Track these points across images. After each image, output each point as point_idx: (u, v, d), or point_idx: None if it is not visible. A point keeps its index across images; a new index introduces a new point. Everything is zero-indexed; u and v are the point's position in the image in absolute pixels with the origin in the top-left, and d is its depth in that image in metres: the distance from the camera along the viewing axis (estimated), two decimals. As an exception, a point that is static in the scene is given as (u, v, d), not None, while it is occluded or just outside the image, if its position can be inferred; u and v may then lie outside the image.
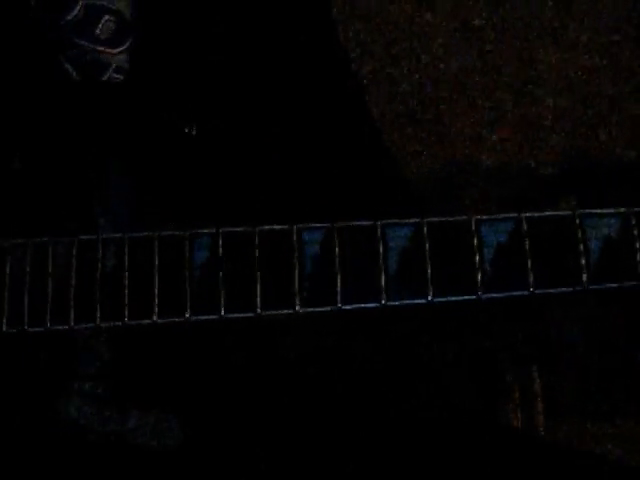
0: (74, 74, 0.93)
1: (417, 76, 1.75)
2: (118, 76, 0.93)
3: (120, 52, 0.93)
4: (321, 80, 1.05)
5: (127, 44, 0.94)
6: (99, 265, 0.79)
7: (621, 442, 1.60)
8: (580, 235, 0.72)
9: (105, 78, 0.93)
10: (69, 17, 0.93)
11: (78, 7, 0.93)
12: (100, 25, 0.93)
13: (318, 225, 0.77)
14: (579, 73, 1.75)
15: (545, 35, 1.77)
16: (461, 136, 1.73)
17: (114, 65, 0.93)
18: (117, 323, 0.78)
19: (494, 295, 0.73)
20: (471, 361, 1.50)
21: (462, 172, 1.71)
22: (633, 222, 0.72)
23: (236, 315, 0.77)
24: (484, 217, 0.74)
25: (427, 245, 0.74)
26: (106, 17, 0.93)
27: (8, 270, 0.80)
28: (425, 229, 0.74)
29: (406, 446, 0.94)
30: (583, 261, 0.72)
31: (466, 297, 0.73)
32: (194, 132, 0.90)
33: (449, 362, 1.47)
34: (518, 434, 1.37)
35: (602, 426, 1.60)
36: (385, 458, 0.94)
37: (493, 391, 1.51)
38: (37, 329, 0.79)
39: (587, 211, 0.73)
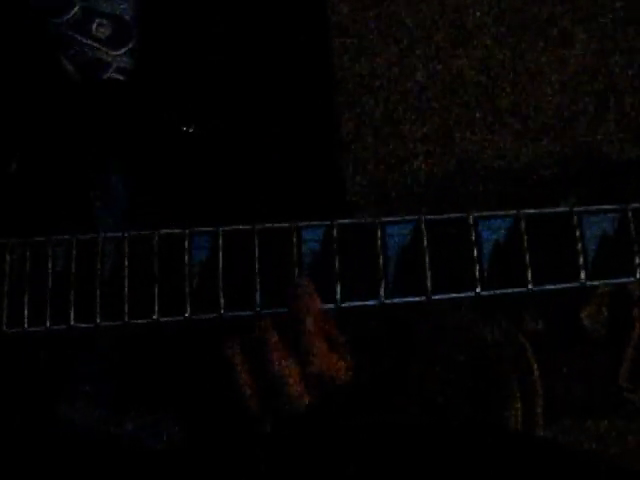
0: (74, 73, 0.93)
1: (417, 76, 1.75)
2: (119, 76, 0.94)
3: (122, 54, 0.94)
4: (321, 80, 1.05)
5: (128, 46, 0.94)
6: (99, 264, 0.79)
7: (620, 442, 1.60)
8: (578, 232, 0.73)
9: (105, 78, 0.93)
10: (66, 17, 0.93)
11: (75, 8, 0.93)
12: (94, 27, 0.93)
13: (318, 223, 0.77)
14: (578, 71, 1.76)
15: (542, 32, 1.77)
16: (460, 136, 1.74)
17: (115, 65, 0.93)
18: (117, 322, 0.78)
19: (492, 292, 0.73)
20: (471, 362, 1.50)
21: (461, 171, 1.71)
22: (630, 218, 0.72)
23: (236, 313, 0.77)
24: (482, 214, 0.74)
25: (426, 242, 0.75)
26: (97, 20, 0.93)
27: (8, 270, 0.80)
28: (424, 226, 0.75)
29: (406, 447, 0.94)
30: (581, 257, 0.73)
31: (464, 294, 0.74)
32: (191, 130, 0.90)
33: (449, 363, 1.47)
34: (518, 434, 1.37)
35: (602, 425, 1.60)
36: (385, 459, 0.94)
37: (493, 392, 1.51)
38: (37, 329, 0.79)
39: (584, 208, 0.73)
